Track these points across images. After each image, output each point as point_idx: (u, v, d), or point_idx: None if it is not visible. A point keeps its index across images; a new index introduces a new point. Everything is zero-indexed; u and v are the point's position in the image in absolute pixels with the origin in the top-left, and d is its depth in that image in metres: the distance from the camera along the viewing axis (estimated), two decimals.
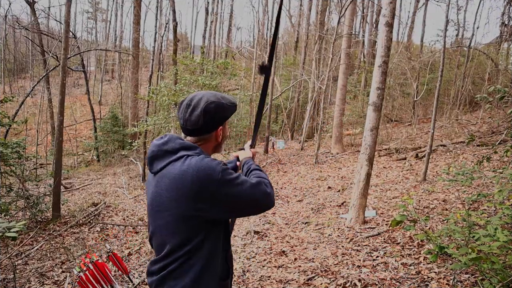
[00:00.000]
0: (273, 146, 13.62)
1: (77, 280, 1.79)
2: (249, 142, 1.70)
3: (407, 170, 7.11)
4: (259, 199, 1.18)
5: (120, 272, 2.86)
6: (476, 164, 3.02)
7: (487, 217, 3.53)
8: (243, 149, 1.68)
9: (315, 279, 3.12)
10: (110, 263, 2.72)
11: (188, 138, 1.28)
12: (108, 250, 2.38)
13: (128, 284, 3.17)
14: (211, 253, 1.17)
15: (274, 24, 13.60)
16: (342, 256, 3.54)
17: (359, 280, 2.93)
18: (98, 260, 1.93)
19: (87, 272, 1.83)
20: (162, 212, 1.15)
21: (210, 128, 1.25)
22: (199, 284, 1.14)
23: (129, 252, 4.65)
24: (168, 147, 1.18)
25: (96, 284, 1.78)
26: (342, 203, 5.64)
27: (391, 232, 3.96)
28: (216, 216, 1.15)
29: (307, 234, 4.50)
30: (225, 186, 1.10)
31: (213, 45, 23.97)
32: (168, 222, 1.14)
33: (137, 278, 3.54)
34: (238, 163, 1.62)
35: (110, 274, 1.95)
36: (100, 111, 21.54)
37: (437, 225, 3.87)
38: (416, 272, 2.97)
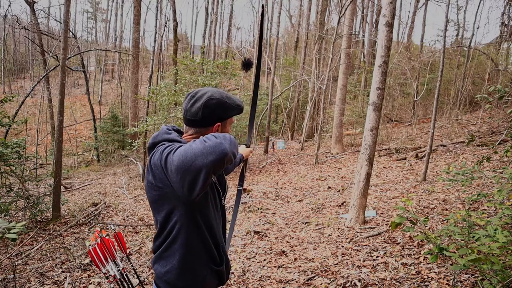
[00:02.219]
0: (273, 146, 13.62)
1: (88, 251, 2.02)
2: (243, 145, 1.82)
3: (407, 170, 7.11)
4: (189, 160, 1.04)
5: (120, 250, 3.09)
6: (476, 164, 3.02)
7: (487, 217, 3.53)
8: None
9: (315, 279, 3.11)
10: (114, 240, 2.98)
11: (187, 128, 1.35)
12: (113, 229, 2.56)
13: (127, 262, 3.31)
14: (191, 240, 1.27)
15: (273, 25, 13.61)
16: (342, 256, 3.54)
17: (359, 280, 2.93)
18: (106, 237, 2.10)
19: (96, 246, 2.01)
20: (149, 195, 1.29)
21: (207, 123, 1.31)
22: (185, 267, 1.27)
23: (129, 252, 4.65)
24: (156, 140, 1.27)
25: (102, 257, 1.98)
26: (342, 203, 5.64)
27: (391, 232, 3.96)
28: (175, 187, 1.14)
29: (307, 234, 4.50)
30: (164, 157, 1.13)
31: (213, 45, 23.98)
32: (151, 203, 1.28)
33: (136, 278, 3.54)
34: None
35: (114, 251, 2.09)
36: (100, 111, 21.56)
37: (437, 225, 3.87)
38: (416, 272, 2.97)
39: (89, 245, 2.01)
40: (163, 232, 1.29)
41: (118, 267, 2.03)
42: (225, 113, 1.32)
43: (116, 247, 2.22)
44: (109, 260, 2.08)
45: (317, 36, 14.21)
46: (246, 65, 1.62)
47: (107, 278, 2.17)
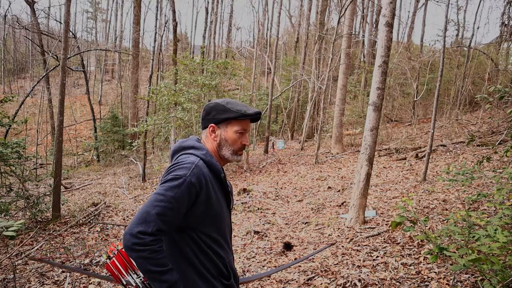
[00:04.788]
0: (273, 146, 13.62)
1: (105, 265, 1.90)
2: None
3: (407, 170, 7.11)
4: (136, 214, 1.16)
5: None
6: (476, 164, 3.02)
7: (487, 218, 3.53)
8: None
9: (315, 279, 3.11)
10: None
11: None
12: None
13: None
14: (185, 257, 1.27)
15: (273, 25, 13.60)
16: (342, 256, 3.54)
17: (359, 280, 2.93)
18: (122, 248, 2.04)
19: (114, 259, 1.93)
20: None
21: (205, 124, 1.39)
22: (187, 280, 1.27)
23: None
24: (185, 144, 1.35)
25: (122, 269, 1.90)
26: (342, 203, 5.64)
27: (391, 232, 3.96)
28: None
29: (307, 234, 4.50)
30: (166, 182, 1.19)
31: (213, 45, 23.95)
32: None
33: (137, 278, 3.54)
34: None
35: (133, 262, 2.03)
36: (100, 111, 21.57)
37: (437, 225, 3.87)
38: (416, 272, 2.97)
39: (107, 259, 1.96)
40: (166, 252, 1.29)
41: (139, 277, 1.99)
42: (220, 114, 1.34)
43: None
44: (129, 271, 2.00)
45: (317, 36, 14.21)
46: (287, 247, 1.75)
47: None
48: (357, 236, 4.02)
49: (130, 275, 1.95)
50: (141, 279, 1.94)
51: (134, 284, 1.88)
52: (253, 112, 1.36)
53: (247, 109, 1.36)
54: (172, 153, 1.38)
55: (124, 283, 1.90)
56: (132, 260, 1.29)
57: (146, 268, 1.14)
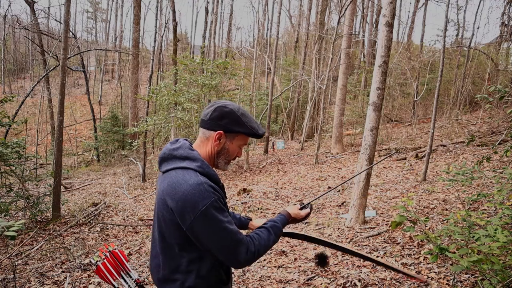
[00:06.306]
0: (273, 146, 13.63)
1: (95, 269, 1.84)
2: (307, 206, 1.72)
3: (407, 170, 7.11)
4: (225, 254, 1.18)
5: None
6: (476, 164, 3.02)
7: (487, 217, 3.53)
8: (304, 206, 1.72)
9: (315, 279, 3.11)
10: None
11: (200, 130, 1.34)
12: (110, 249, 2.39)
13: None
14: (186, 265, 1.24)
15: (273, 25, 13.61)
16: (342, 256, 3.54)
17: (359, 280, 2.93)
18: (115, 249, 1.96)
19: (105, 261, 1.86)
20: (157, 209, 1.26)
21: (212, 126, 1.28)
22: None
23: (129, 252, 4.65)
24: (177, 153, 1.25)
25: (113, 272, 1.83)
26: (342, 203, 5.64)
27: (391, 232, 3.96)
28: (189, 235, 1.18)
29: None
30: (204, 219, 1.13)
31: (213, 45, 23.93)
32: (158, 219, 1.26)
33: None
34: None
35: (126, 263, 1.95)
36: (100, 111, 21.58)
37: (437, 225, 3.87)
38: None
39: (97, 261, 1.89)
40: (164, 251, 1.27)
41: (133, 278, 1.94)
42: (233, 125, 1.27)
43: (127, 259, 2.06)
44: (121, 273, 1.93)
45: (317, 36, 14.22)
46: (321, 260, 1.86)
47: None
48: (357, 236, 4.02)
49: (123, 277, 1.89)
50: (134, 280, 1.90)
51: (126, 286, 1.84)
52: (262, 133, 1.35)
53: (258, 128, 1.33)
54: (161, 159, 1.29)
55: (116, 285, 1.85)
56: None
57: (270, 244, 1.32)
